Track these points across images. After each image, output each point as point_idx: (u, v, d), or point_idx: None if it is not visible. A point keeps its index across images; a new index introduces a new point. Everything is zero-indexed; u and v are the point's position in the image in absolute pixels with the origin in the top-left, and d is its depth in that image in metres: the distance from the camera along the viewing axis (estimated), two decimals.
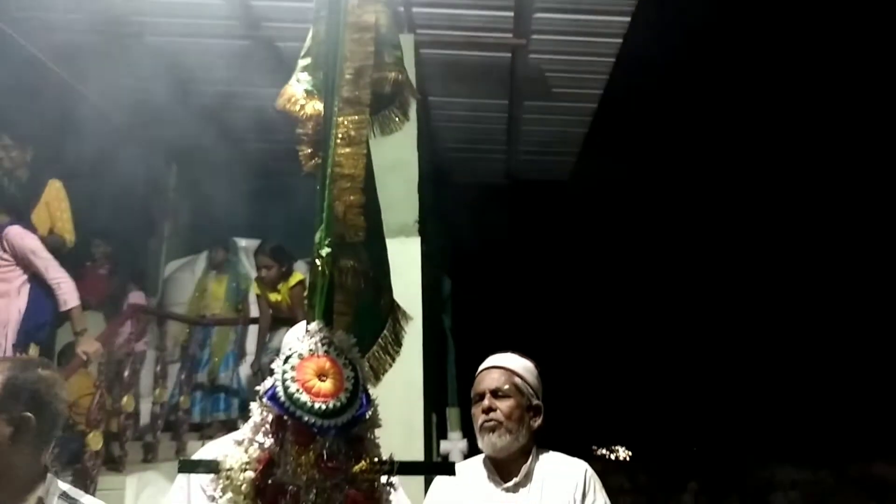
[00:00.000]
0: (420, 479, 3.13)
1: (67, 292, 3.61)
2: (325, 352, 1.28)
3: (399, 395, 3.68)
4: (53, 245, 3.76)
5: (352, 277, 1.36)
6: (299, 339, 1.31)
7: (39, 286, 3.61)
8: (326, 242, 1.31)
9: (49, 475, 1.53)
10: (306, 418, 1.19)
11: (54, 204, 3.86)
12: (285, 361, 1.25)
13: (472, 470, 2.11)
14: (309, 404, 1.20)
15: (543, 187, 6.53)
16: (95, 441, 3.48)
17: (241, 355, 4.86)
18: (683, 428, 5.95)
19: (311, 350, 1.28)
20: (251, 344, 4.81)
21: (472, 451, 2.21)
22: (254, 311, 4.94)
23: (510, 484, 2.00)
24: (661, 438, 5.91)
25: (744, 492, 6.22)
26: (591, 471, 2.05)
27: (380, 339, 1.53)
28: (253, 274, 5.00)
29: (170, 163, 7.05)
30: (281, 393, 1.21)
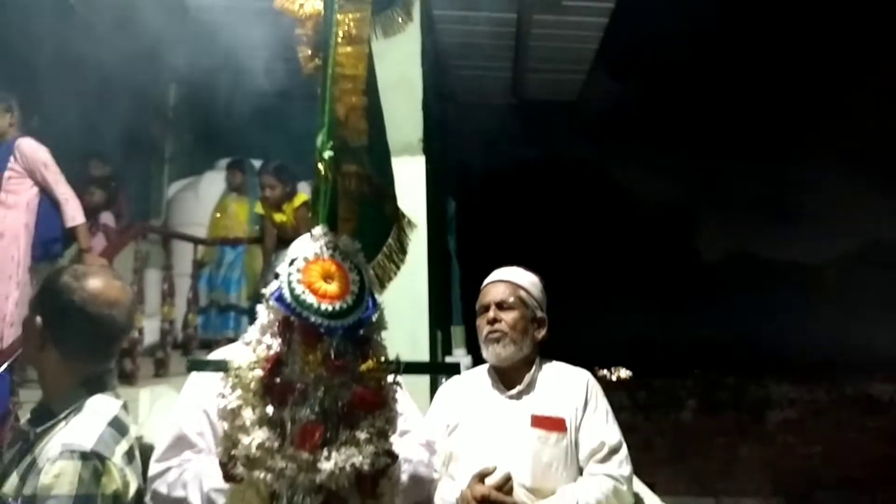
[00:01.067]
0: (426, 389, 3.24)
1: (74, 209, 3.62)
2: (331, 255, 1.29)
3: (405, 312, 3.72)
4: None
5: (355, 182, 1.34)
6: (304, 244, 1.31)
7: (49, 201, 3.60)
8: (329, 146, 1.28)
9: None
10: (312, 319, 1.21)
11: None
12: (291, 264, 1.25)
13: (476, 378, 2.16)
14: (315, 305, 1.21)
15: (551, 107, 6.38)
16: None
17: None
18: (684, 349, 6.08)
19: (316, 253, 1.28)
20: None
21: (477, 366, 2.25)
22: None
23: (514, 392, 2.05)
24: (662, 360, 6.06)
25: (741, 409, 6.40)
26: (593, 379, 2.09)
27: (384, 247, 1.53)
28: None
29: (168, 83, 6.88)
30: (287, 294, 1.22)
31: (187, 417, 1.64)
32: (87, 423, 1.35)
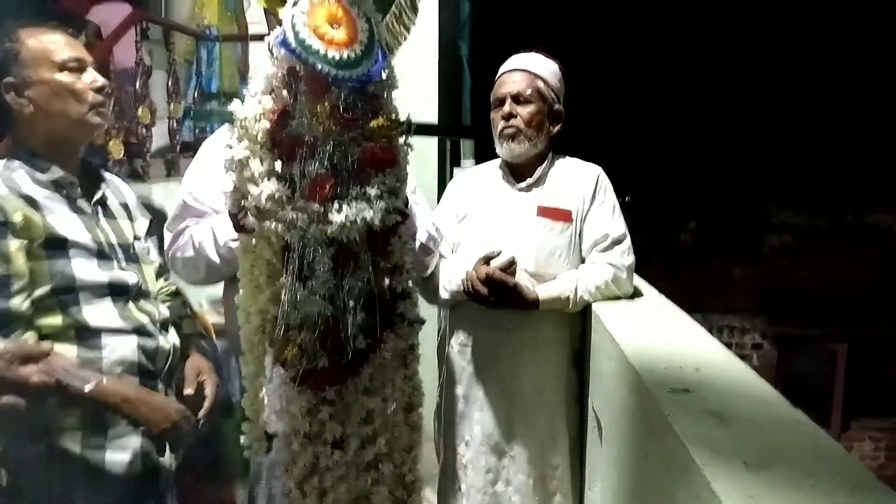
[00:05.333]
0: (434, 185, 3.25)
1: None
2: None
3: (413, 119, 3.64)
4: None
5: None
6: None
7: None
8: None
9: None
10: (319, 66, 1.14)
11: None
12: (295, 5, 1.15)
13: (487, 172, 2.14)
14: (322, 52, 1.14)
15: None
16: (116, 149, 3.56)
17: (245, 71, 4.72)
18: (685, 172, 6.01)
19: None
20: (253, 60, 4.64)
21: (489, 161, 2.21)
22: (254, 29, 4.66)
23: (524, 184, 2.03)
24: (663, 182, 6.03)
25: (739, 231, 6.51)
26: (603, 174, 2.06)
27: (394, 6, 1.41)
28: None
29: None
30: (292, 38, 1.14)
31: (193, 184, 1.63)
32: None
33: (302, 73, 1.15)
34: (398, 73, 1.33)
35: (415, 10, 1.37)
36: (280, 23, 3.50)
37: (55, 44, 1.38)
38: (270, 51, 1.19)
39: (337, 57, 1.14)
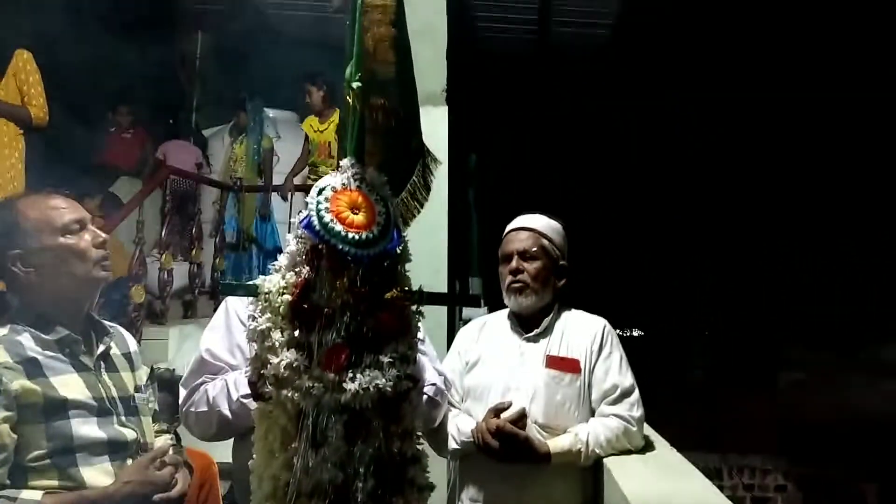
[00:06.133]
0: (443, 336, 3.30)
1: None
2: (358, 187, 1.32)
3: (424, 263, 3.74)
4: (17, 116, 3.29)
5: (382, 115, 1.36)
6: (332, 175, 1.34)
7: None
8: (357, 77, 1.30)
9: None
10: (340, 246, 1.25)
11: (21, 77, 3.32)
12: (319, 193, 1.29)
13: (496, 321, 2.21)
14: (343, 234, 1.25)
15: (577, 56, 6.21)
16: (138, 294, 3.70)
17: (266, 216, 4.99)
18: (695, 312, 6.06)
19: (343, 184, 1.31)
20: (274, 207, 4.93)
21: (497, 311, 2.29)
22: (278, 179, 5.00)
23: (531, 334, 2.10)
24: (674, 322, 6.07)
25: (754, 369, 6.43)
26: (609, 326, 2.12)
27: (409, 185, 1.55)
28: (273, 135, 5.03)
29: (194, 30, 6.86)
30: (316, 222, 1.26)
31: (210, 341, 1.71)
32: None
33: (324, 251, 1.26)
34: (411, 233, 1.45)
35: (427, 189, 1.51)
36: (310, 147, 3.73)
37: (55, 210, 1.45)
38: (295, 229, 1.31)
39: (356, 237, 1.25)
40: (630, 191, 6.28)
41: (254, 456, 1.29)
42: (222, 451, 1.89)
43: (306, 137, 4.91)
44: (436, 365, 1.94)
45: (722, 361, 6.52)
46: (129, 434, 1.42)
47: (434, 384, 1.86)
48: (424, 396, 1.76)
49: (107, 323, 1.60)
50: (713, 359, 6.56)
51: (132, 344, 1.64)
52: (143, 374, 1.60)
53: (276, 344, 1.23)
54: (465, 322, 4.88)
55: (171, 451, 1.52)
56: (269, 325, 1.25)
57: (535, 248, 2.09)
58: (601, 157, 6.27)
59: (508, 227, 2.22)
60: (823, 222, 6.22)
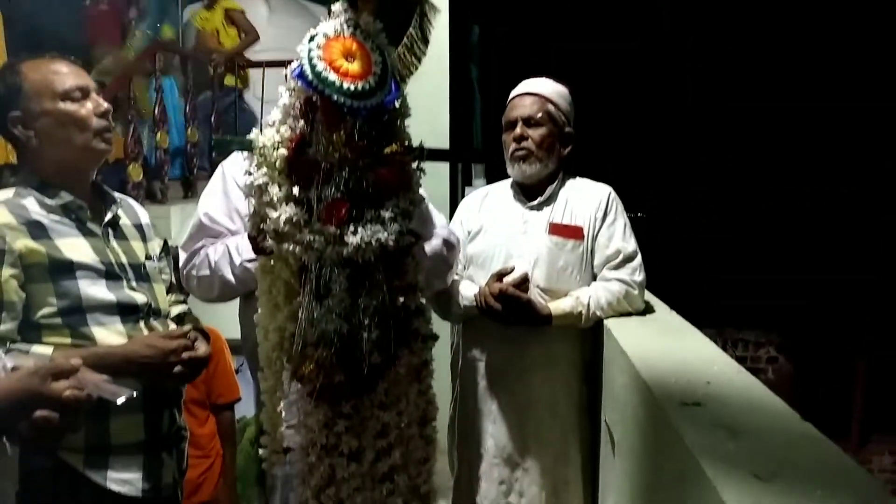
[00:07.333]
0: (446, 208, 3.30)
1: None
2: (352, 34, 1.24)
3: (425, 142, 3.69)
4: None
5: None
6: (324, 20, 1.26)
7: None
8: None
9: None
10: (335, 97, 1.19)
11: None
12: (310, 40, 1.21)
13: (499, 191, 2.18)
14: (337, 84, 1.19)
15: None
16: (136, 172, 3.66)
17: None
18: (696, 189, 5.99)
19: (336, 30, 1.23)
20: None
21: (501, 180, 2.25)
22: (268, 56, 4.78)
23: (535, 203, 2.07)
24: (675, 198, 6.02)
25: (754, 245, 6.48)
26: (613, 194, 2.09)
27: (406, 37, 1.46)
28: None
29: None
30: (308, 71, 1.19)
31: (209, 205, 1.69)
32: None
33: (318, 104, 1.20)
34: (411, 99, 1.38)
35: (426, 41, 1.41)
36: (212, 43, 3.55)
37: (57, 74, 1.40)
38: (286, 79, 1.25)
39: (352, 88, 1.19)
40: (641, 57, 5.98)
41: (258, 309, 1.31)
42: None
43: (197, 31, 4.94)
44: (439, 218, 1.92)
45: (723, 238, 6.56)
46: (140, 298, 1.43)
47: (447, 229, 1.84)
48: (439, 239, 1.75)
49: (117, 194, 1.58)
50: (714, 234, 6.59)
51: (143, 216, 1.62)
52: (155, 245, 1.59)
53: (274, 198, 1.21)
54: None
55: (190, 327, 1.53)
56: (265, 179, 1.22)
57: (539, 114, 2.02)
58: (612, 26, 5.93)
59: (513, 93, 2.13)
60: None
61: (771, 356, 6.42)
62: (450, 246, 1.83)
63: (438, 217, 1.85)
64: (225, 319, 2.05)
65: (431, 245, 1.72)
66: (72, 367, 1.03)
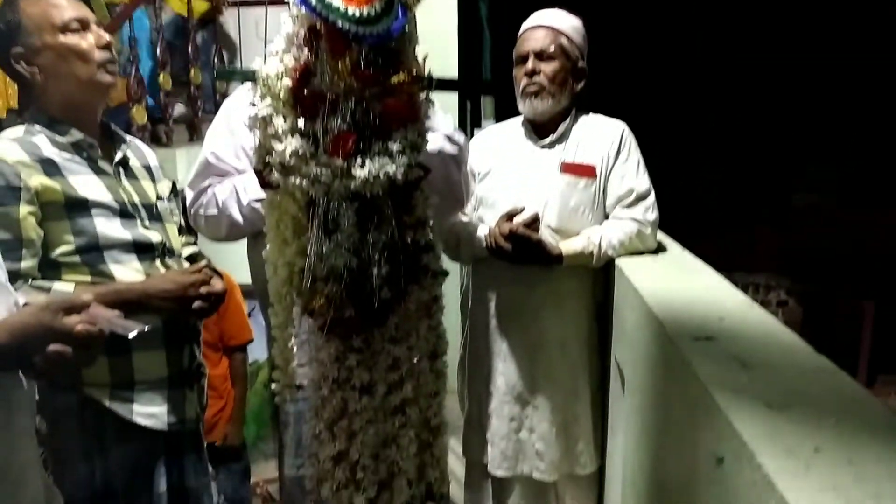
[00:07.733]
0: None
1: None
2: None
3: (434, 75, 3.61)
4: None
5: None
6: None
7: None
8: None
9: None
10: (340, 24, 1.14)
11: None
12: None
13: (509, 129, 2.13)
14: (342, 9, 1.14)
15: None
16: (140, 115, 3.60)
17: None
18: (711, 131, 5.84)
19: None
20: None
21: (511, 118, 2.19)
22: None
23: (546, 141, 2.02)
24: (689, 140, 5.88)
25: (766, 190, 6.41)
26: (628, 130, 2.04)
27: None
28: None
29: None
30: None
31: (215, 143, 1.66)
32: None
33: (322, 31, 1.15)
34: (419, 30, 1.33)
35: None
36: None
37: (55, 6, 1.38)
38: (290, 7, 1.19)
39: (357, 14, 1.14)
40: None
41: (267, 245, 1.29)
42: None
43: None
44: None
45: (735, 182, 6.46)
46: (155, 237, 1.42)
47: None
48: (443, 136, 1.70)
49: (126, 135, 1.57)
50: (726, 179, 6.49)
51: (152, 158, 1.61)
52: (164, 186, 1.58)
53: (280, 131, 1.17)
54: None
55: (205, 262, 1.53)
56: (270, 111, 1.18)
57: (552, 48, 1.94)
58: None
59: (524, 25, 2.05)
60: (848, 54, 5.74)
61: (781, 300, 6.42)
62: (453, 141, 1.77)
63: (445, 120, 1.79)
64: (234, 263, 2.05)
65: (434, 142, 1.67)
66: (83, 301, 1.03)
